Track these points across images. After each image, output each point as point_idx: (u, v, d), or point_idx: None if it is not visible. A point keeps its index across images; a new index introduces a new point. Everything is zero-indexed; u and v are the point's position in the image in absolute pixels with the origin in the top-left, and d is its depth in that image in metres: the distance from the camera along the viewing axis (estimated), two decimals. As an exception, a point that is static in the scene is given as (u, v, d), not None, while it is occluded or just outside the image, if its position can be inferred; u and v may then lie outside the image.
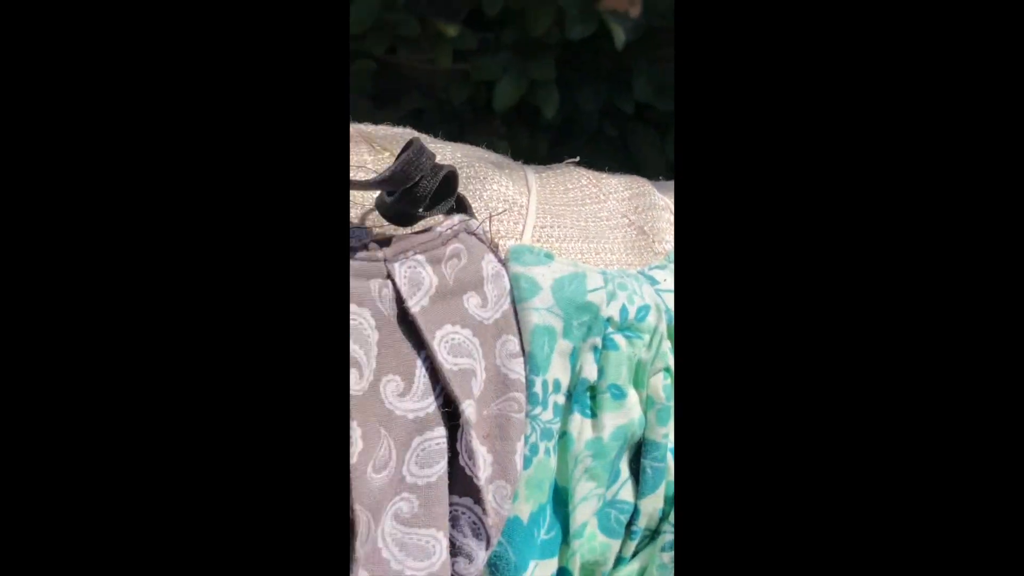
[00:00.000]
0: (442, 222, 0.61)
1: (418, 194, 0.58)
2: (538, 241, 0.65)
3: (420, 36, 1.81)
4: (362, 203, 0.62)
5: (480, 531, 0.59)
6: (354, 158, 0.64)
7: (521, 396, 0.60)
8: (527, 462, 0.60)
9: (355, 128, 0.66)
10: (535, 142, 1.81)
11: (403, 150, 0.59)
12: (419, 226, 0.61)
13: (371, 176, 0.60)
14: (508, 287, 0.62)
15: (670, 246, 0.69)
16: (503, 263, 0.62)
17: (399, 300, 0.58)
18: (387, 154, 0.65)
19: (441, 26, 1.80)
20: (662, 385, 0.63)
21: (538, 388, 0.61)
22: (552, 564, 0.62)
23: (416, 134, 0.66)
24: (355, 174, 0.63)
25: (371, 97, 1.84)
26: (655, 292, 0.65)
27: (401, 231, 0.61)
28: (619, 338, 0.63)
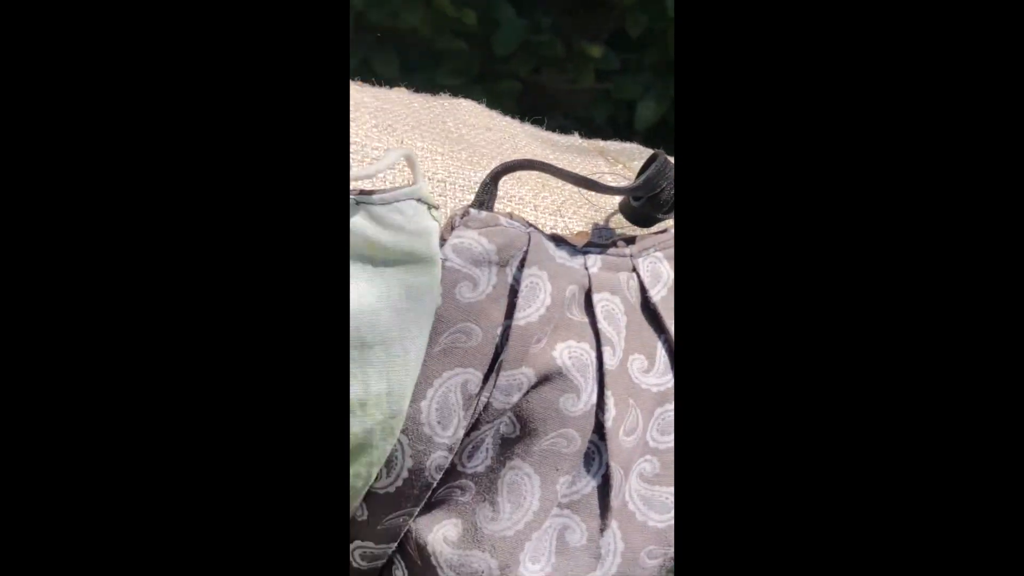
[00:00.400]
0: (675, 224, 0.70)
1: (661, 200, 0.68)
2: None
3: (564, 57, 1.90)
4: (604, 207, 0.72)
5: (710, 491, 0.68)
6: (593, 169, 0.74)
7: None
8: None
9: (591, 143, 0.76)
10: (673, 158, 1.89)
11: (649, 162, 0.68)
12: (657, 227, 0.70)
13: (617, 184, 0.69)
14: (730, 282, 0.71)
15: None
16: (725, 261, 0.72)
17: (643, 290, 0.68)
18: (620, 165, 0.75)
19: (585, 47, 1.89)
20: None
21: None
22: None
23: (644, 149, 0.75)
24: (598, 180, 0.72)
25: (515, 116, 1.94)
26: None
27: (641, 231, 0.70)
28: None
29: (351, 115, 0.67)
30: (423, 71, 1.92)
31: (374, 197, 0.61)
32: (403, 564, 0.64)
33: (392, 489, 0.63)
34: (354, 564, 0.65)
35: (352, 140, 0.65)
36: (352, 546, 0.64)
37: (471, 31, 1.90)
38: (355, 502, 0.63)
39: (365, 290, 0.61)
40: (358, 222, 0.61)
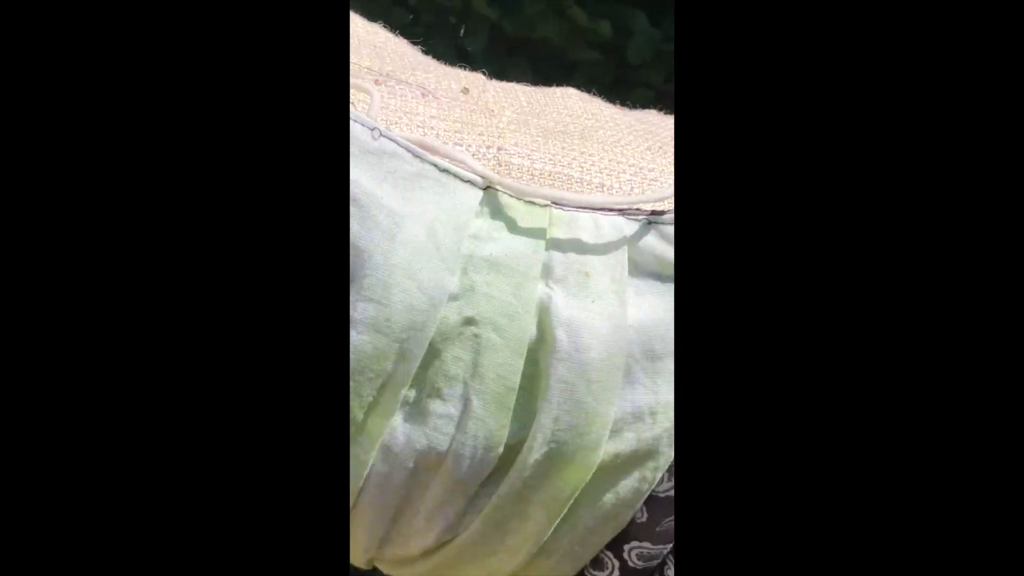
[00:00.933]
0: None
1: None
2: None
3: (698, 66, 1.92)
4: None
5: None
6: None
7: None
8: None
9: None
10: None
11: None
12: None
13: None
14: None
15: None
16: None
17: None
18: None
19: (719, 57, 1.91)
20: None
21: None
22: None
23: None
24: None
25: (647, 122, 1.98)
26: None
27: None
28: None
29: (624, 138, 0.70)
30: (557, 81, 1.96)
31: (664, 217, 0.65)
32: (675, 565, 0.68)
33: (672, 493, 0.67)
34: (630, 563, 0.68)
35: (629, 163, 0.68)
36: (629, 546, 0.68)
37: (605, 41, 1.93)
38: (637, 504, 0.67)
39: (655, 304, 0.64)
40: (649, 241, 0.64)
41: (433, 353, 0.62)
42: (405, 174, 0.62)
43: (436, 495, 0.64)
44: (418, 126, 0.64)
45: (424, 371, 0.62)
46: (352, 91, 0.63)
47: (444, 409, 0.63)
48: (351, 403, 0.62)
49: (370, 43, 0.69)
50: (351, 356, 0.61)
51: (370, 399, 0.62)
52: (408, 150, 0.62)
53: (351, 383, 0.61)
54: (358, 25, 0.71)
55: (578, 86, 2.09)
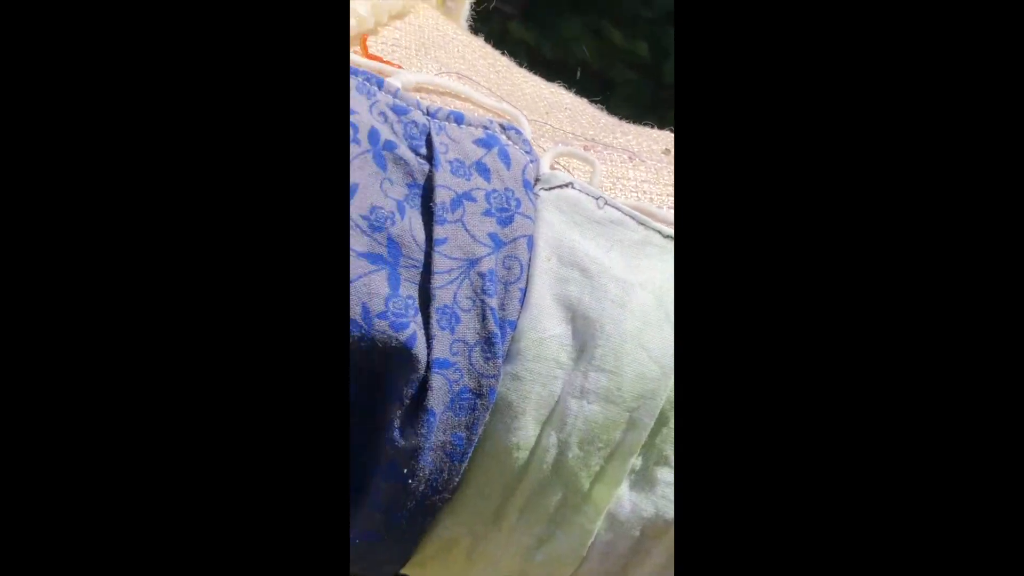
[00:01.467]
0: None
1: None
2: None
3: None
4: None
5: None
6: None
7: None
8: None
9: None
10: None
11: None
12: None
13: None
14: None
15: None
16: None
17: None
18: None
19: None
20: None
21: None
22: None
23: None
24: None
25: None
26: None
27: None
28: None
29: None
30: (596, 101, 1.96)
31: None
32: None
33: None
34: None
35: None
36: None
37: (642, 61, 1.94)
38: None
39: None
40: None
41: (662, 421, 0.61)
42: (631, 242, 0.61)
43: (656, 562, 0.64)
44: (632, 191, 0.63)
45: (652, 439, 0.62)
46: (567, 159, 0.63)
47: (671, 477, 0.62)
48: (579, 473, 0.61)
49: (560, 105, 0.68)
50: (582, 427, 0.60)
51: (597, 469, 0.61)
52: (632, 217, 0.61)
53: (580, 453, 0.61)
54: (541, 86, 0.71)
55: (617, 107, 2.10)
